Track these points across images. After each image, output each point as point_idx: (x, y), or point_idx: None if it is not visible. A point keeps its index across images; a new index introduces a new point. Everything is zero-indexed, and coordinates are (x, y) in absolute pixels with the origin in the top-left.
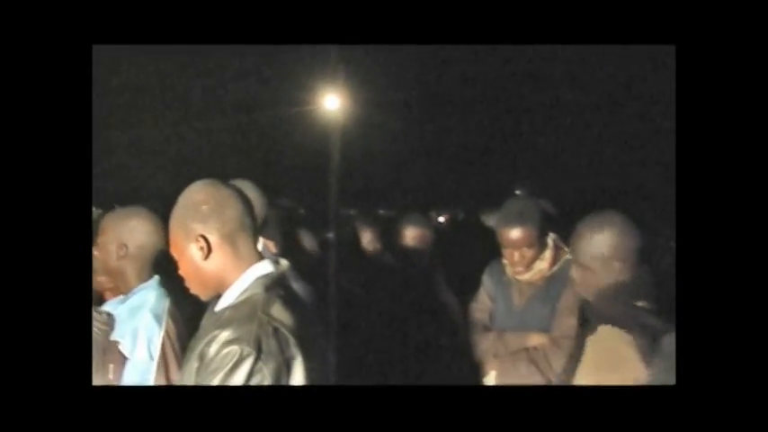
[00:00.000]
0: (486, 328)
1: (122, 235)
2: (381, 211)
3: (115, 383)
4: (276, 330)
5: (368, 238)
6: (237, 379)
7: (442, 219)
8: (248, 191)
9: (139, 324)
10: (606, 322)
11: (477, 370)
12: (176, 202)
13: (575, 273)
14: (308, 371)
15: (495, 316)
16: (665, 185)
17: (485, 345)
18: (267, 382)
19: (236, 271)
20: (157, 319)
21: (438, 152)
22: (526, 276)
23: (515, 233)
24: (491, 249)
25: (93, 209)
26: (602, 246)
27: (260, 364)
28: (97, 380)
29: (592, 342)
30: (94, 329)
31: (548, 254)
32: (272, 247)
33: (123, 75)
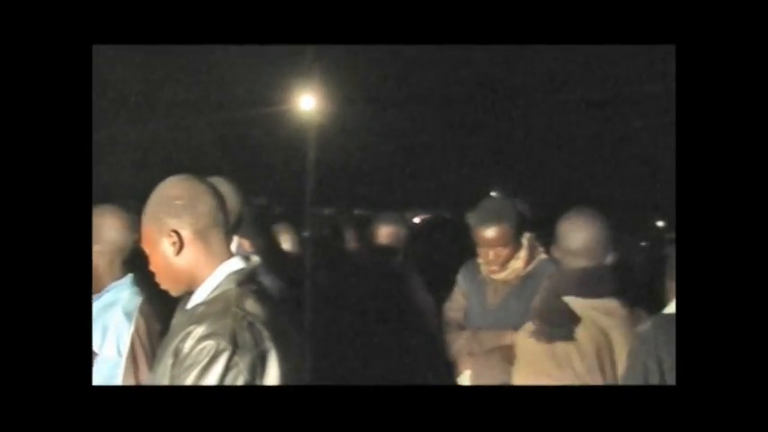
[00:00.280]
0: (461, 327)
1: (93, 233)
2: (357, 211)
3: None
4: (251, 324)
5: (343, 238)
6: (213, 374)
7: (416, 219)
8: (222, 188)
9: (110, 321)
10: (573, 319)
11: (451, 369)
12: (150, 197)
13: (552, 268)
14: (283, 364)
15: (470, 315)
16: (665, 185)
17: (459, 343)
18: (243, 376)
19: (207, 267)
20: (128, 316)
21: (414, 152)
22: (501, 275)
23: (491, 232)
24: (466, 249)
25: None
26: (579, 241)
27: (236, 358)
28: None
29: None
30: None
31: (523, 253)
32: (246, 245)
33: (100, 75)
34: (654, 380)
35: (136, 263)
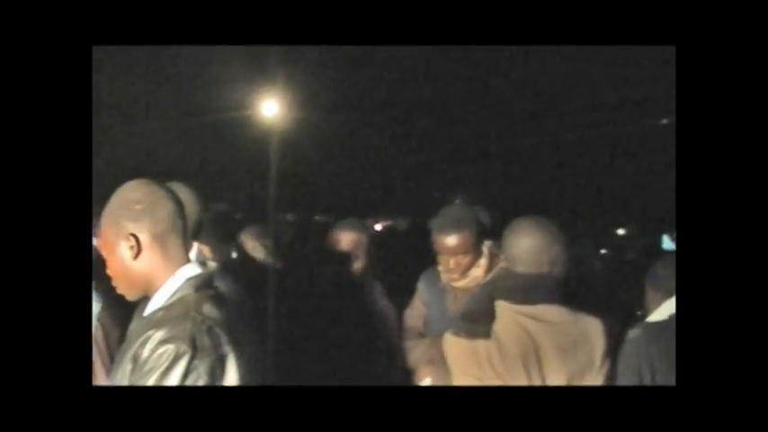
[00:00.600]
0: (421, 335)
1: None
2: (318, 218)
3: None
4: (210, 329)
5: (305, 244)
6: (173, 378)
7: (378, 226)
8: (182, 193)
9: None
10: (495, 320)
11: (411, 376)
12: (109, 200)
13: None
14: (242, 368)
15: (430, 322)
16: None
17: (419, 351)
18: (202, 380)
19: (164, 272)
20: None
21: (376, 159)
22: (461, 283)
23: (451, 240)
24: (426, 257)
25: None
26: (517, 247)
27: (195, 362)
28: None
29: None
30: None
31: (483, 261)
32: (206, 251)
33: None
34: (646, 382)
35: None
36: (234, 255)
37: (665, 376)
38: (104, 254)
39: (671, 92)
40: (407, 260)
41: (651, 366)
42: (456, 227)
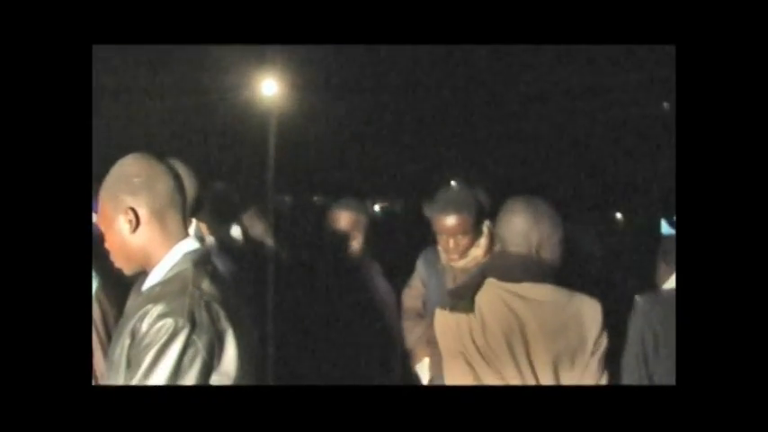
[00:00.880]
0: (420, 315)
1: None
2: (316, 198)
3: None
4: (208, 304)
5: (303, 224)
6: (172, 353)
7: (377, 207)
8: (180, 170)
9: None
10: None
11: (409, 356)
12: (108, 174)
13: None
14: (240, 345)
15: (429, 302)
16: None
17: (418, 331)
18: (200, 355)
19: (162, 246)
20: None
21: (376, 140)
22: (461, 264)
23: (450, 220)
24: (425, 238)
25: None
26: (508, 226)
27: (194, 337)
28: None
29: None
30: None
31: (483, 241)
32: (204, 229)
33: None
34: (649, 350)
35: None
36: (232, 234)
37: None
38: (102, 228)
39: (671, 76)
40: (406, 241)
41: (654, 334)
42: (456, 207)
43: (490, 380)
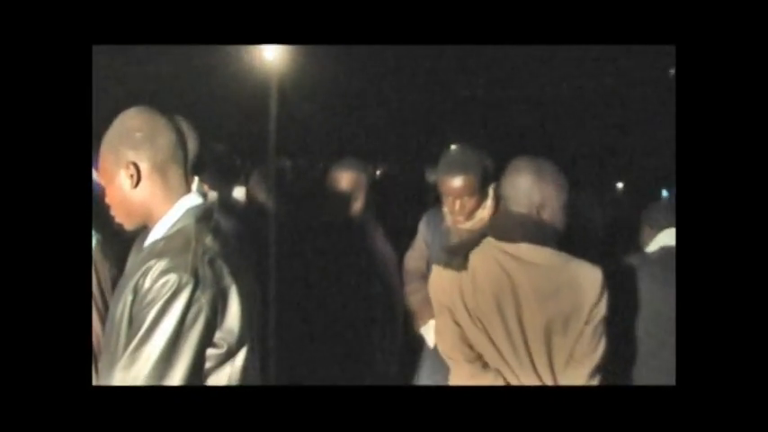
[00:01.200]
0: (424, 277)
1: None
2: (318, 161)
3: None
4: (211, 260)
5: (304, 186)
6: (176, 309)
7: (378, 172)
8: (182, 125)
9: None
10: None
11: (412, 318)
12: (109, 127)
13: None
14: (243, 302)
15: (432, 264)
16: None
17: (422, 293)
18: (204, 312)
19: (164, 202)
20: None
21: (379, 105)
22: (467, 225)
23: (457, 181)
24: (427, 202)
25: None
26: (508, 185)
27: (198, 293)
28: None
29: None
30: None
31: (489, 203)
32: (206, 189)
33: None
34: (657, 303)
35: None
36: (234, 196)
37: (663, 301)
38: (103, 183)
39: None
40: (408, 205)
41: (647, 291)
42: (462, 168)
43: (476, 340)
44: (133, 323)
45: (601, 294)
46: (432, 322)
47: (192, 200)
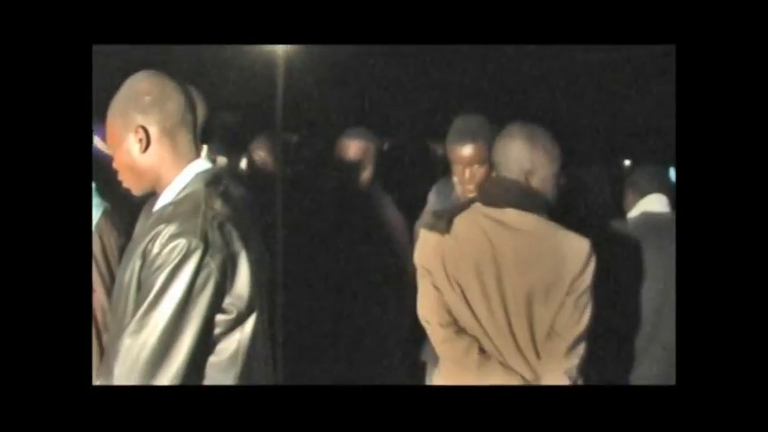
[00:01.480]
0: None
1: None
2: (325, 132)
3: None
4: (221, 224)
5: (311, 156)
6: (185, 274)
7: (386, 146)
8: (191, 90)
9: None
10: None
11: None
12: (117, 92)
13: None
14: (252, 267)
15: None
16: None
17: None
18: (214, 277)
19: (173, 167)
20: None
21: (386, 77)
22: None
23: (466, 150)
24: (432, 175)
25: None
26: (497, 150)
27: (207, 258)
28: None
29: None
30: None
31: None
32: (215, 157)
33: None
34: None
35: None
36: (242, 164)
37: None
38: (111, 147)
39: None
40: (416, 177)
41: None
42: (472, 137)
43: (453, 304)
44: (142, 288)
45: (585, 266)
46: None
47: (202, 165)
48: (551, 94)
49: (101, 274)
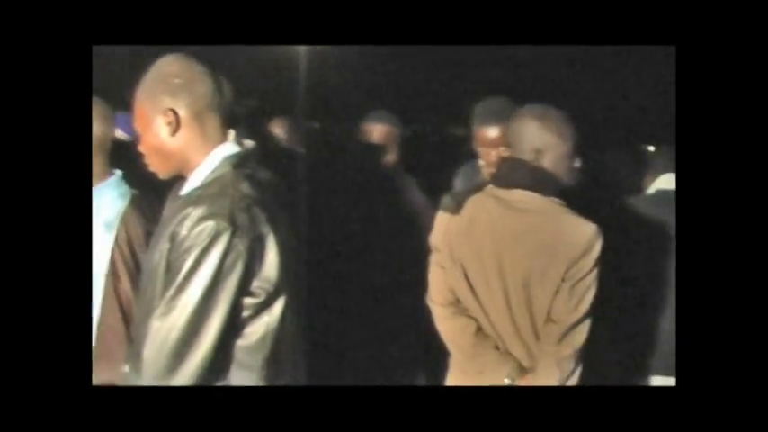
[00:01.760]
0: None
1: None
2: (347, 121)
3: None
4: (248, 206)
5: (335, 142)
6: (213, 256)
7: (408, 132)
8: (218, 74)
9: None
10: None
11: None
12: (146, 73)
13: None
14: (280, 249)
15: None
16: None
17: None
18: (242, 259)
19: (201, 150)
20: (108, 227)
21: (409, 63)
22: None
23: (493, 132)
24: (458, 161)
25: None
26: (511, 130)
27: (235, 240)
28: None
29: None
30: None
31: None
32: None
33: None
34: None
35: (123, 159)
36: (266, 149)
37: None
38: (139, 129)
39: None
40: (440, 162)
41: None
42: (497, 118)
43: (456, 283)
44: (170, 271)
45: (584, 252)
46: None
47: (229, 148)
48: (561, 91)
49: (126, 264)
